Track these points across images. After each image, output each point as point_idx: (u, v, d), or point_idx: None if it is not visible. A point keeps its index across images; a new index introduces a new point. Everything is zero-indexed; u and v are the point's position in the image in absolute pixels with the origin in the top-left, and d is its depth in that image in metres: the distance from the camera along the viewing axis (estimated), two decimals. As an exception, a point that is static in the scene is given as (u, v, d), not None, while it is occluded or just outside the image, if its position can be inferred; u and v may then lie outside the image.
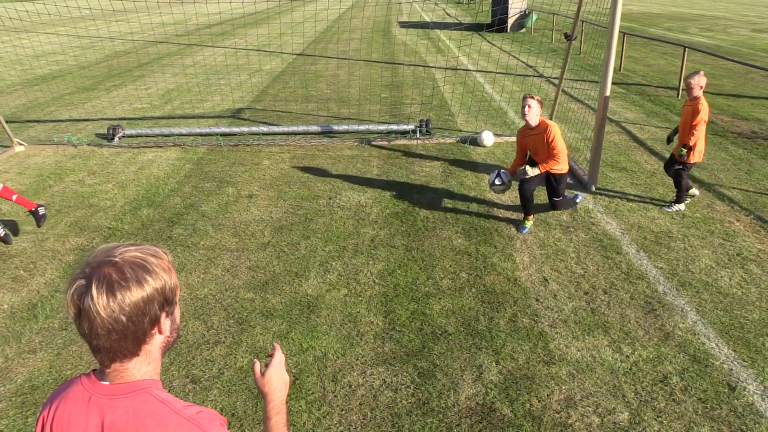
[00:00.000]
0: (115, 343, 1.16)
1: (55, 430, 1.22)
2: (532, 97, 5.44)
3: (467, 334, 4.13)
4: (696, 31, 21.93)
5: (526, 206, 5.62)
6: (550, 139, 5.39)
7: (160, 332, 1.24)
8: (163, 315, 1.22)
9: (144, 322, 1.18)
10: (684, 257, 5.13)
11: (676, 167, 5.96)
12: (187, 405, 1.21)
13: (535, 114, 5.46)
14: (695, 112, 5.66)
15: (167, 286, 1.21)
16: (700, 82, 5.65)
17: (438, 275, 4.93)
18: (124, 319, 1.14)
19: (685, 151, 5.77)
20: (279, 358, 1.54)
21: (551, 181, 5.60)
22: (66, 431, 1.21)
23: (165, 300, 1.21)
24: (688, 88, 5.68)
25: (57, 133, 9.56)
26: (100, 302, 1.12)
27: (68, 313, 1.16)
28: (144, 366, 1.23)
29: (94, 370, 1.25)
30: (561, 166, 5.50)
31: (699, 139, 5.73)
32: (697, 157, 5.82)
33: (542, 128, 5.45)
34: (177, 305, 1.29)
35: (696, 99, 5.70)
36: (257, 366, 1.52)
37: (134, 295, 1.14)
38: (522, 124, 5.71)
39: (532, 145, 5.62)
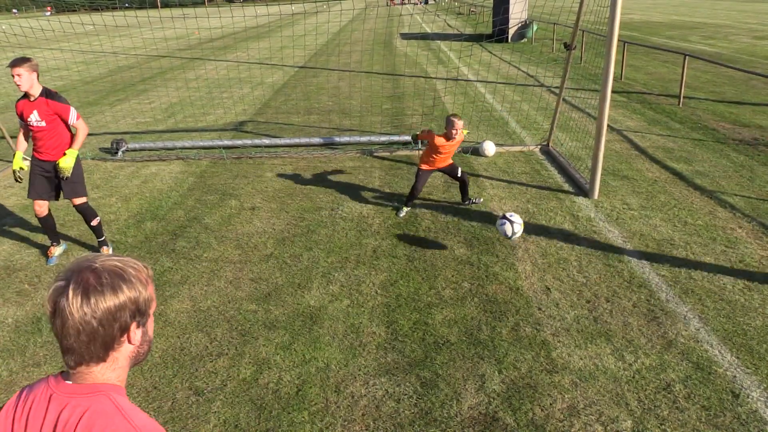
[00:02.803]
0: (84, 345, 1.21)
1: (17, 421, 1.29)
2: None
3: (469, 344, 4.14)
4: (697, 39, 22.00)
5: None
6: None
7: (129, 341, 1.28)
8: (134, 324, 1.27)
9: (114, 329, 1.23)
10: (686, 265, 5.13)
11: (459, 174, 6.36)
12: (141, 417, 1.24)
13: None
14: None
15: (141, 298, 1.26)
16: None
17: (440, 285, 4.94)
18: (94, 322, 1.20)
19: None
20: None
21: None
22: (25, 422, 1.28)
23: (137, 310, 1.26)
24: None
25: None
26: (74, 304, 1.18)
27: (46, 311, 1.20)
28: (108, 372, 1.28)
29: (62, 372, 1.31)
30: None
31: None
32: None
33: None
34: (151, 318, 1.33)
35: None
36: None
37: (107, 301, 1.20)
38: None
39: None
